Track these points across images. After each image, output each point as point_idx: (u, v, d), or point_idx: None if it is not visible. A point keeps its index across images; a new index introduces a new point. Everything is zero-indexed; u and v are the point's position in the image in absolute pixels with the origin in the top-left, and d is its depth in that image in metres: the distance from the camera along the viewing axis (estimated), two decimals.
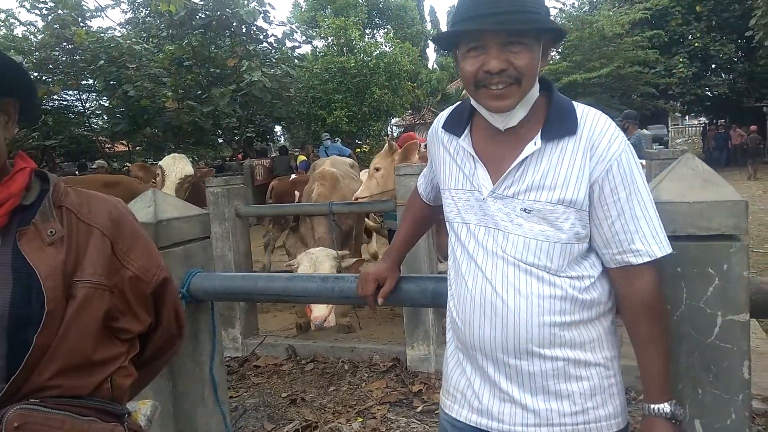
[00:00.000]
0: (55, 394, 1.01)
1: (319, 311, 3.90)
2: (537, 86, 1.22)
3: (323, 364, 4.29)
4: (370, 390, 3.83)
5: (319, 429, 3.25)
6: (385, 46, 16.59)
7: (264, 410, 3.65)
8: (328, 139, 11.78)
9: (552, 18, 1.43)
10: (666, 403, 1.20)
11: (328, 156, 11.24)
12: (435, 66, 28.44)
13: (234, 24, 11.59)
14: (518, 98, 1.17)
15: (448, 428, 1.37)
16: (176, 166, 4.99)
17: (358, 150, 13.68)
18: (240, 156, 15.41)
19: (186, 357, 1.93)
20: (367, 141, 15.58)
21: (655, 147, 8.72)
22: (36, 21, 12.72)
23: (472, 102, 1.26)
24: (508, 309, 1.19)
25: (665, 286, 1.30)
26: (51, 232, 1.04)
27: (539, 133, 1.20)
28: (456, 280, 1.31)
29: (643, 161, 5.69)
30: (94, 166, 13.86)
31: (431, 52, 32.01)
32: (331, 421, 3.38)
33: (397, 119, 20.02)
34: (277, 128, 20.80)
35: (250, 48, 11.99)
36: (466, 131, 1.30)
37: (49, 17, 11.55)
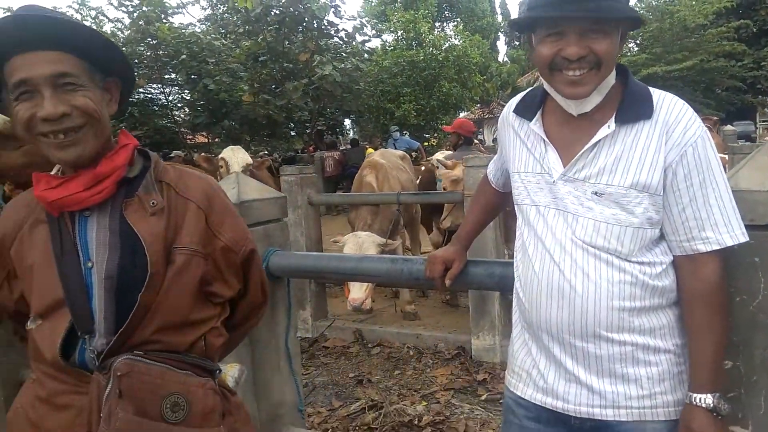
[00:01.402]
0: (156, 348, 1.14)
1: (357, 293, 4.04)
2: (614, 72, 1.23)
3: (389, 349, 4.40)
4: (435, 376, 3.90)
5: (384, 409, 3.35)
6: (455, 39, 16.49)
7: (332, 388, 3.81)
8: (397, 131, 11.88)
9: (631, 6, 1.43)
10: (709, 395, 1.17)
11: (396, 149, 11.39)
12: (506, 59, 27.94)
13: (306, 19, 11.88)
14: (595, 84, 1.18)
15: (512, 406, 1.40)
16: (236, 156, 5.35)
17: (426, 143, 13.70)
18: (311, 148, 15.81)
19: (264, 328, 2.06)
20: (435, 135, 15.57)
21: (740, 143, 8.22)
22: (123, 18, 13.58)
23: (545, 86, 1.29)
24: (576, 292, 1.21)
25: (742, 276, 1.29)
26: (153, 203, 1.17)
27: (613, 117, 1.21)
28: (523, 262, 1.34)
29: (725, 156, 5.41)
30: (171, 156, 14.66)
31: (502, 45, 31.44)
32: (396, 403, 3.48)
33: (466, 113, 19.85)
34: (347, 121, 21.13)
35: (322, 43, 12.25)
36: (538, 115, 1.32)
37: (135, 14, 12.28)
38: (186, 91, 13.16)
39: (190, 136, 15.10)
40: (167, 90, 13.95)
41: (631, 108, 1.21)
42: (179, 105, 14.42)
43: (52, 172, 1.20)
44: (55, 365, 1.13)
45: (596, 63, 1.15)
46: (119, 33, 13.31)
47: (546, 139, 1.29)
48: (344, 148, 16.05)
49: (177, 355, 1.16)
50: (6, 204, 1.69)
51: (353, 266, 1.89)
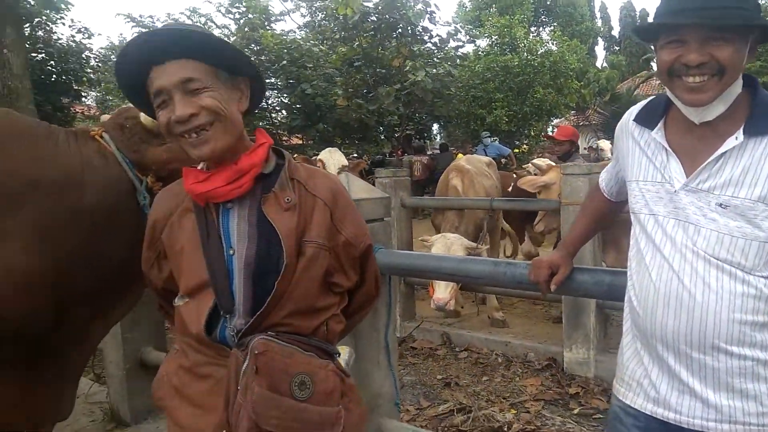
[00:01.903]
0: (286, 330, 1.25)
1: (441, 293, 4.06)
2: (740, 81, 1.20)
3: (476, 354, 4.40)
4: (524, 385, 3.85)
5: (473, 413, 3.36)
6: (551, 44, 16.07)
7: (420, 388, 3.87)
8: (488, 137, 11.78)
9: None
10: None
11: (486, 155, 11.30)
12: (604, 64, 26.81)
13: (401, 25, 12.09)
14: (717, 92, 1.16)
15: (620, 415, 1.40)
16: (333, 157, 5.55)
17: (517, 150, 13.47)
18: (399, 152, 16.04)
19: (365, 323, 2.14)
20: (526, 141, 15.25)
21: None
22: (229, 24, 14.43)
23: (668, 93, 1.28)
24: (696, 302, 1.19)
25: None
26: (287, 199, 1.27)
27: (741, 128, 1.18)
28: (638, 271, 1.33)
29: None
30: None
31: (600, 50, 30.23)
32: (485, 408, 3.48)
33: (559, 120, 19.26)
34: (435, 126, 21.18)
35: (415, 48, 12.41)
36: (660, 124, 1.31)
37: (241, 21, 13.04)
38: (284, 95, 13.77)
39: (286, 138, 15.79)
40: (267, 93, 14.70)
41: (761, 120, 1.18)
42: (277, 108, 15.11)
43: (199, 167, 1.33)
44: (199, 339, 1.26)
45: (718, 70, 1.14)
46: (226, 39, 14.20)
47: (668, 149, 1.28)
48: (431, 152, 16.09)
49: (303, 338, 1.26)
50: (149, 195, 1.89)
51: (455, 266, 1.93)
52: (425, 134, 20.76)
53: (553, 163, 4.73)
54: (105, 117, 2.25)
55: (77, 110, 15.31)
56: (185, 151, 1.25)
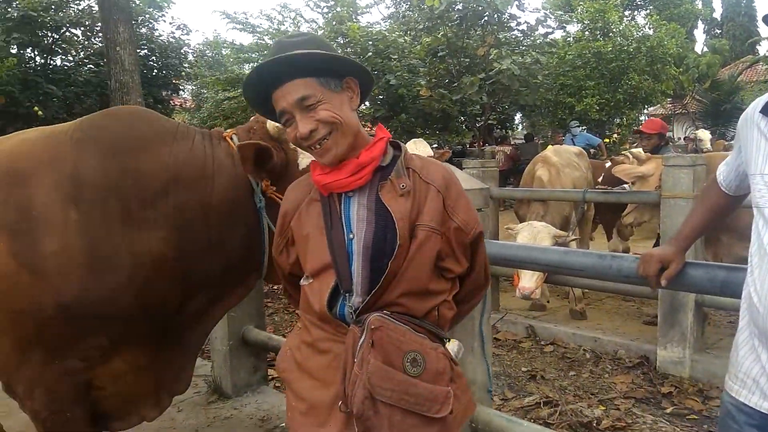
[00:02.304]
0: (399, 311, 1.32)
1: (527, 282, 4.00)
2: None
3: (563, 349, 4.33)
4: (614, 382, 3.77)
5: (560, 407, 3.33)
6: (648, 28, 15.18)
7: (504, 379, 3.87)
8: (577, 127, 11.37)
9: None
10: None
11: (574, 145, 10.92)
12: (705, 49, 25.02)
13: (487, 13, 11.88)
14: None
15: (733, 412, 1.37)
16: (419, 148, 5.56)
17: (607, 140, 12.89)
18: (481, 142, 15.84)
19: None
20: (618, 130, 14.54)
21: None
22: (317, 18, 14.82)
23: None
24: None
25: None
26: (402, 186, 1.35)
27: None
28: (760, 266, 1.30)
29: None
30: None
31: (700, 34, 28.22)
32: (572, 403, 3.44)
33: (654, 107, 18.19)
34: (517, 116, 20.72)
35: (501, 36, 12.17)
36: None
37: (329, 14, 13.34)
38: None
39: (368, 128, 16.00)
40: None
41: None
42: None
43: None
44: (321, 316, 1.37)
45: None
46: (313, 33, 14.59)
47: None
48: (515, 143, 15.74)
49: (415, 320, 1.33)
50: (264, 197, 1.98)
51: (558, 259, 1.93)
52: (507, 124, 20.35)
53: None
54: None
55: (175, 103, 16.33)
56: (315, 158, 1.38)
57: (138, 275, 1.82)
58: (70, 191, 1.79)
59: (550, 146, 7.20)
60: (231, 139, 2.02)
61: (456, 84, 12.02)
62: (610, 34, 13.56)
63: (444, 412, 1.28)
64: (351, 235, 1.35)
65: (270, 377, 4.05)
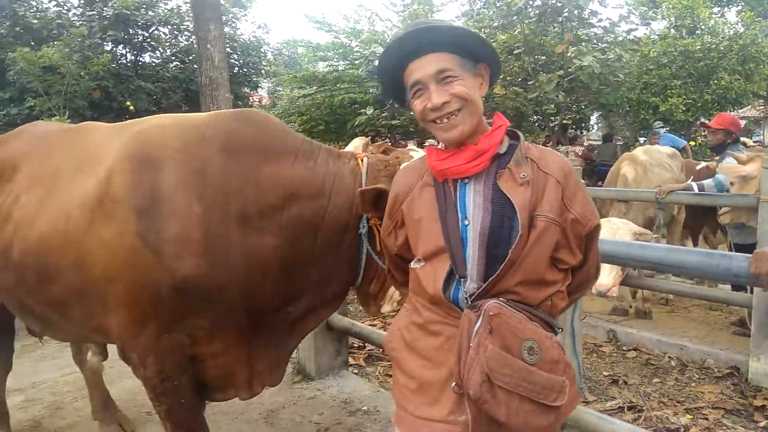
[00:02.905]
0: (515, 299, 1.35)
1: (604, 278, 3.89)
2: None
3: (647, 355, 4.21)
4: (701, 392, 3.63)
5: (645, 413, 3.26)
6: (740, 25, 14.29)
7: (585, 382, 3.80)
8: (661, 128, 10.88)
9: None
10: None
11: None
12: None
13: (567, 9, 11.59)
14: None
15: None
16: None
17: (693, 143, 12.26)
18: (553, 142, 15.47)
19: None
20: (704, 132, 13.79)
21: None
22: (392, 17, 14.94)
23: None
24: None
25: None
26: (523, 175, 1.37)
27: None
28: None
29: None
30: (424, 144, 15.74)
31: None
32: (657, 410, 3.35)
33: (744, 108, 17.09)
34: (593, 117, 20.06)
35: (581, 33, 11.83)
36: None
37: (405, 13, 13.43)
38: None
39: None
40: None
41: None
42: None
43: (438, 146, 1.50)
44: (434, 299, 1.42)
45: None
46: (387, 31, 14.74)
47: None
48: (588, 143, 15.22)
49: (530, 308, 1.36)
50: (366, 225, 2.03)
51: (660, 256, 1.90)
52: (582, 124, 19.74)
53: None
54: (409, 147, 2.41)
55: (254, 99, 16.94)
56: (434, 134, 1.41)
57: (244, 275, 1.94)
58: (196, 185, 1.92)
59: (640, 146, 6.93)
60: (362, 161, 2.10)
61: (532, 82, 11.82)
62: (698, 31, 12.88)
63: (561, 401, 1.29)
64: (466, 222, 1.38)
65: (350, 363, 4.18)
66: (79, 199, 2.06)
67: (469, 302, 1.35)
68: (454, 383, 1.33)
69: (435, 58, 1.35)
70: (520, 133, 1.48)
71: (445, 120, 1.36)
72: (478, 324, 1.29)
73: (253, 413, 3.32)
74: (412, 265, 1.51)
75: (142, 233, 1.89)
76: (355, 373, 4.06)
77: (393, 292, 2.18)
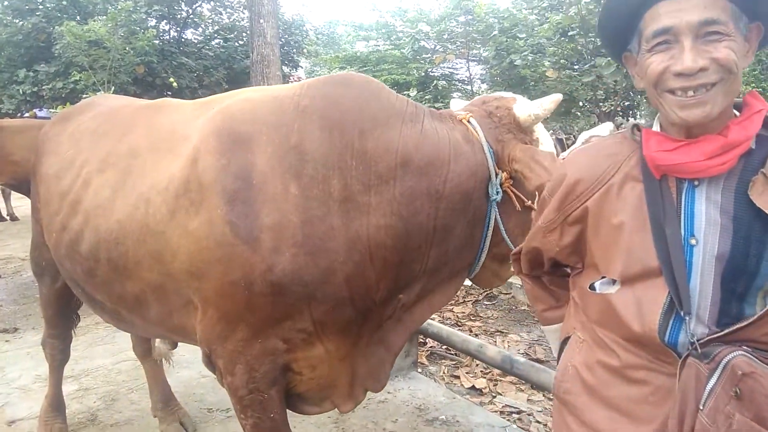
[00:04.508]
0: (762, 348, 0.99)
1: None
2: None
3: None
4: None
5: None
6: None
7: None
8: None
9: None
10: None
11: None
12: None
13: None
14: None
15: None
16: (591, 132, 5.11)
17: None
18: None
19: None
20: None
21: None
22: None
23: None
24: None
25: None
26: None
27: None
28: None
29: None
30: None
31: None
32: None
33: None
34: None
35: None
36: None
37: None
38: (490, 65, 13.45)
39: None
40: (470, 64, 14.48)
41: None
42: (482, 79, 14.86)
43: (654, 129, 1.13)
44: (640, 339, 1.08)
45: None
46: (435, 10, 14.23)
47: None
48: None
49: None
50: (500, 190, 1.80)
51: None
52: (630, 111, 18.97)
53: None
54: (456, 100, 2.27)
55: (293, 79, 16.71)
56: (664, 108, 1.04)
57: (351, 260, 1.68)
58: (293, 164, 1.67)
59: None
60: (469, 122, 1.85)
61: (588, 66, 11.22)
62: None
63: None
64: (693, 241, 1.03)
65: (419, 362, 3.90)
66: (160, 184, 1.81)
67: (697, 349, 1.00)
68: None
69: (704, 3, 0.97)
70: None
71: (690, 93, 0.99)
72: (712, 381, 0.96)
73: (323, 416, 3.07)
74: (600, 288, 1.16)
75: (234, 222, 1.63)
76: (422, 374, 3.78)
77: None
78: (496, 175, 1.79)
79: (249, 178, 1.66)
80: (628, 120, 18.89)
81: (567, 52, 12.00)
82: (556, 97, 1.87)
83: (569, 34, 11.93)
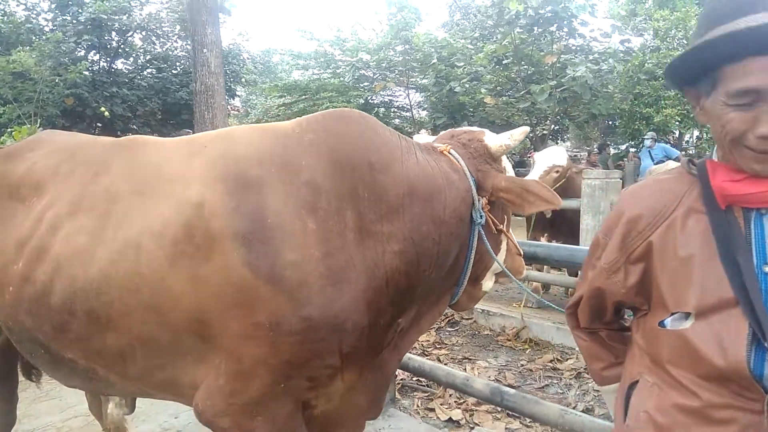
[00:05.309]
0: None
1: None
2: None
3: None
4: None
5: None
6: None
7: None
8: (651, 139, 10.86)
9: None
10: None
11: (652, 158, 10.42)
12: None
13: (557, 20, 11.54)
14: None
15: None
16: (547, 156, 5.26)
17: (683, 153, 12.30)
18: (531, 152, 15.45)
19: None
20: (698, 143, 13.89)
21: None
22: (376, 27, 14.68)
23: None
24: None
25: None
26: None
27: None
28: None
29: None
30: None
31: None
32: None
33: None
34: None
35: (571, 44, 11.82)
36: None
37: (392, 20, 13.20)
38: (428, 93, 13.77)
39: (429, 133, 15.78)
40: (409, 92, 14.78)
41: None
42: (421, 107, 15.18)
43: (715, 159, 1.14)
44: (723, 374, 1.04)
45: None
46: (374, 39, 14.46)
47: None
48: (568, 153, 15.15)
49: None
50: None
51: None
52: (560, 135, 19.87)
53: None
54: (421, 135, 2.38)
55: (231, 108, 16.42)
56: (735, 157, 1.04)
57: (371, 288, 1.68)
58: (307, 199, 1.65)
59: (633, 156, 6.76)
60: (450, 153, 1.96)
61: (523, 92, 11.69)
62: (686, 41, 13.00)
63: None
64: (766, 268, 1.03)
65: (396, 398, 3.79)
66: (152, 229, 1.67)
67: None
68: None
69: None
70: None
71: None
72: None
73: None
74: (671, 324, 1.12)
75: (253, 263, 1.56)
76: (396, 409, 3.67)
77: (494, 267, 2.03)
78: (479, 199, 1.88)
79: (263, 218, 1.60)
80: (557, 143, 19.82)
81: (502, 79, 12.50)
82: (523, 129, 2.02)
83: (503, 62, 12.46)
